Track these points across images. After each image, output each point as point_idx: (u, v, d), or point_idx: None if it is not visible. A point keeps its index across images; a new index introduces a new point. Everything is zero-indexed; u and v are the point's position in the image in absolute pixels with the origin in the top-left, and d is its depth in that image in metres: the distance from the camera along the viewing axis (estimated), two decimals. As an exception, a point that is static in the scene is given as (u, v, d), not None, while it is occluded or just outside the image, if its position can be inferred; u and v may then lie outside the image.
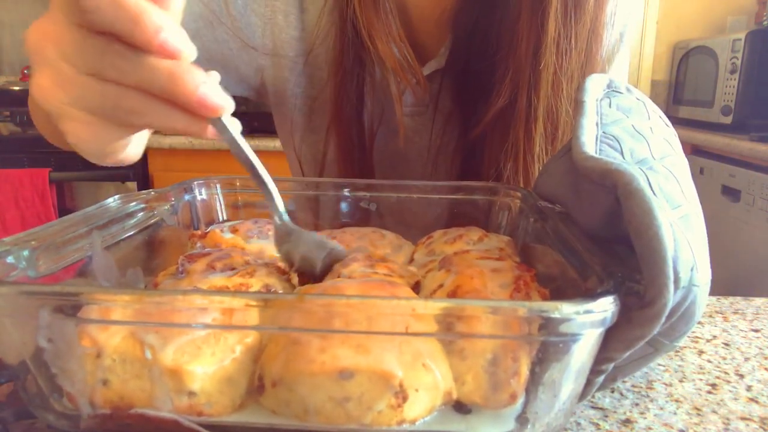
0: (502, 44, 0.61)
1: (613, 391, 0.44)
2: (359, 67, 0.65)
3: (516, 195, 0.58)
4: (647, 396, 0.43)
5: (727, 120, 2.22)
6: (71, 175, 2.10)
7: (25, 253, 0.37)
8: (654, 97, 2.29)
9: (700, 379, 0.46)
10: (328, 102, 0.68)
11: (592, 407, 0.41)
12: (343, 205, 0.61)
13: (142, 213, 0.50)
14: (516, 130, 0.62)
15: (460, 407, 0.34)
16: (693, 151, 2.21)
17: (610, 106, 0.46)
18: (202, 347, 0.32)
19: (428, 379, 0.32)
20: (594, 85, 0.47)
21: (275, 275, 0.42)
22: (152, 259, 0.51)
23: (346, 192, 0.60)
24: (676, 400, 0.42)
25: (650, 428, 0.39)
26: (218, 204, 0.61)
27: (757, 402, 0.42)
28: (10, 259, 0.36)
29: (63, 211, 2.14)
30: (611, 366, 0.36)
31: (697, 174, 2.12)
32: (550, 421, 0.33)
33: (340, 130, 0.68)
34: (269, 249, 0.50)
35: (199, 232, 0.53)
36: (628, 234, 0.33)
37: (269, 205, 0.43)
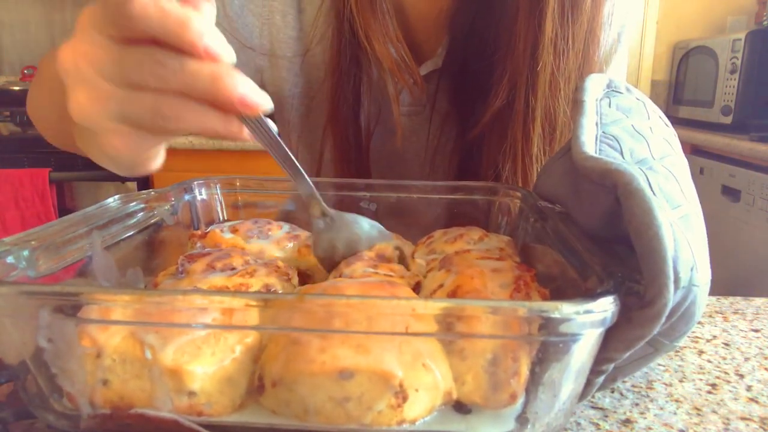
0: (499, 45, 0.61)
1: (613, 391, 0.44)
2: (356, 68, 0.65)
3: (516, 195, 0.58)
4: (647, 396, 0.43)
5: (727, 120, 2.22)
6: (71, 175, 2.10)
7: (25, 253, 0.37)
8: (654, 97, 2.29)
9: (700, 379, 0.46)
10: (325, 102, 0.68)
11: (592, 407, 0.41)
12: (343, 205, 0.61)
13: (142, 213, 0.50)
14: (514, 130, 0.62)
15: (460, 407, 0.34)
16: (693, 151, 2.21)
17: (609, 106, 0.46)
18: (202, 347, 0.32)
19: (428, 379, 0.32)
20: (594, 85, 0.47)
21: (275, 275, 0.42)
22: (152, 259, 0.51)
23: (345, 192, 0.60)
24: (676, 400, 0.42)
25: (650, 428, 0.39)
26: (218, 204, 0.61)
27: (757, 402, 0.42)
28: (10, 259, 0.36)
29: (63, 211, 2.14)
30: (611, 366, 0.36)
31: (697, 174, 2.12)
32: (550, 421, 0.33)
33: (336, 130, 0.68)
34: (269, 249, 0.50)
35: (199, 232, 0.53)
36: (628, 234, 0.33)
37: (309, 202, 0.45)
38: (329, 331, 0.31)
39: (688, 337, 0.53)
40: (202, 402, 0.32)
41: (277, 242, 0.51)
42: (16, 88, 2.19)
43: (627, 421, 0.40)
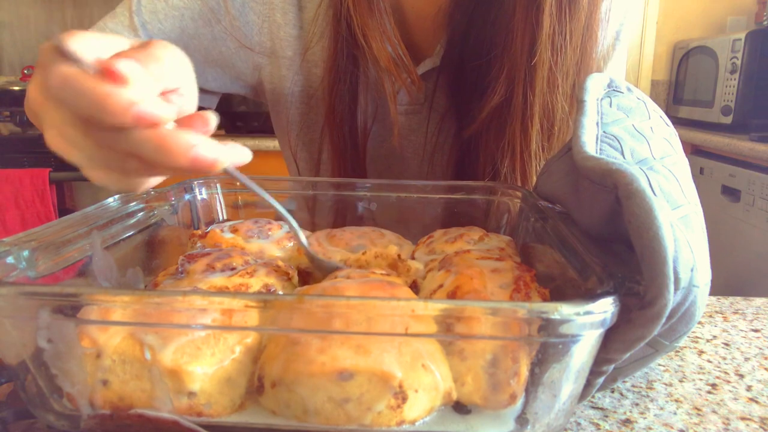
0: (497, 41, 0.61)
1: (613, 391, 0.44)
2: (353, 66, 0.65)
3: (516, 195, 0.58)
4: (647, 396, 0.43)
5: (727, 120, 2.22)
6: (71, 175, 2.09)
7: (25, 253, 0.37)
8: (654, 97, 2.29)
9: (700, 379, 0.46)
10: (323, 100, 0.68)
11: (592, 407, 0.41)
12: (343, 205, 0.61)
13: (142, 213, 0.50)
14: (512, 127, 0.62)
15: (460, 408, 0.34)
16: (693, 151, 2.21)
17: (610, 106, 0.46)
18: (202, 348, 0.32)
19: (428, 380, 0.32)
20: (594, 85, 0.47)
21: (275, 275, 0.42)
22: (152, 259, 0.51)
23: (345, 192, 0.60)
24: (676, 400, 0.42)
25: (650, 428, 0.39)
26: (218, 204, 0.61)
27: (757, 402, 0.42)
28: (10, 259, 0.36)
29: (63, 211, 2.14)
30: (611, 367, 0.36)
31: (697, 174, 2.12)
32: (550, 422, 0.33)
33: (333, 128, 0.68)
34: (269, 249, 0.50)
35: (199, 232, 0.53)
36: (628, 234, 0.33)
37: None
38: (329, 332, 0.31)
39: (688, 337, 0.53)
40: (201, 402, 0.32)
41: (277, 242, 0.51)
42: (16, 88, 2.18)
43: (627, 421, 0.40)
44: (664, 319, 0.31)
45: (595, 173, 0.36)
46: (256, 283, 0.40)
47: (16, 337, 0.32)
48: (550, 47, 0.58)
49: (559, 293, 0.38)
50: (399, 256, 0.47)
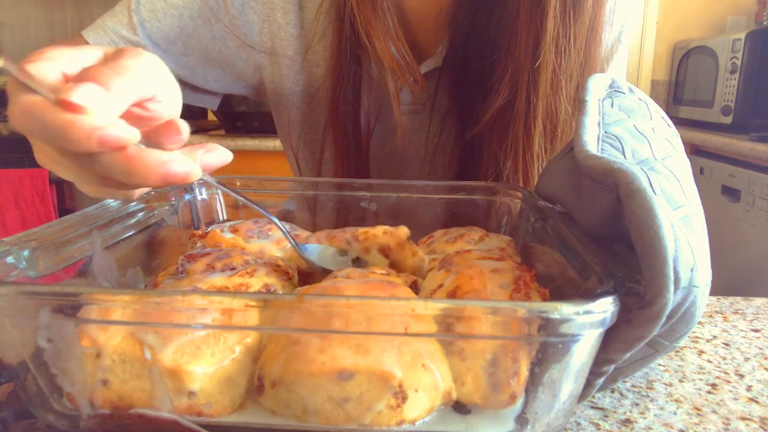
0: (500, 43, 0.61)
1: (613, 391, 0.44)
2: (356, 65, 0.65)
3: (516, 195, 0.58)
4: (647, 396, 0.43)
5: (727, 120, 2.22)
6: (71, 175, 2.09)
7: (25, 253, 0.37)
8: (654, 97, 2.28)
9: (700, 379, 0.46)
10: (325, 100, 0.68)
11: (592, 407, 0.41)
12: (343, 205, 0.61)
13: (142, 213, 0.50)
14: (515, 128, 0.62)
15: (460, 407, 0.34)
16: (693, 151, 2.21)
17: (612, 106, 0.46)
18: (202, 347, 0.32)
19: (428, 380, 0.32)
20: (596, 85, 0.47)
21: (275, 275, 0.42)
22: (152, 259, 0.51)
23: (345, 192, 0.60)
24: (676, 400, 0.42)
25: (650, 428, 0.39)
26: (218, 204, 0.61)
27: (757, 402, 0.42)
28: (10, 259, 0.36)
29: (63, 211, 2.14)
30: (612, 368, 0.36)
31: (697, 174, 2.11)
32: (550, 422, 0.33)
33: (336, 128, 0.68)
34: (269, 249, 0.50)
35: (199, 232, 0.53)
36: (628, 233, 0.33)
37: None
38: (329, 332, 0.31)
39: (688, 337, 0.53)
40: (201, 402, 0.32)
41: (277, 242, 0.51)
42: (16, 88, 2.18)
43: (627, 421, 0.40)
44: (664, 319, 0.31)
45: (596, 172, 0.36)
46: (256, 283, 0.40)
47: (16, 337, 0.32)
48: (554, 50, 0.58)
49: (559, 293, 0.38)
50: (408, 238, 0.47)
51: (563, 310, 0.28)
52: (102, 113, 0.30)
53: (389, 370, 0.31)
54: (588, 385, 0.37)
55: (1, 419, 0.36)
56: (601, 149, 0.41)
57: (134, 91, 0.32)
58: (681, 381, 0.45)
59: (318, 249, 0.50)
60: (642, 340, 0.33)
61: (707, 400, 0.43)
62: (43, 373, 0.32)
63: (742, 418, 0.40)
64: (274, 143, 2.02)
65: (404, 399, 0.31)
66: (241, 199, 0.42)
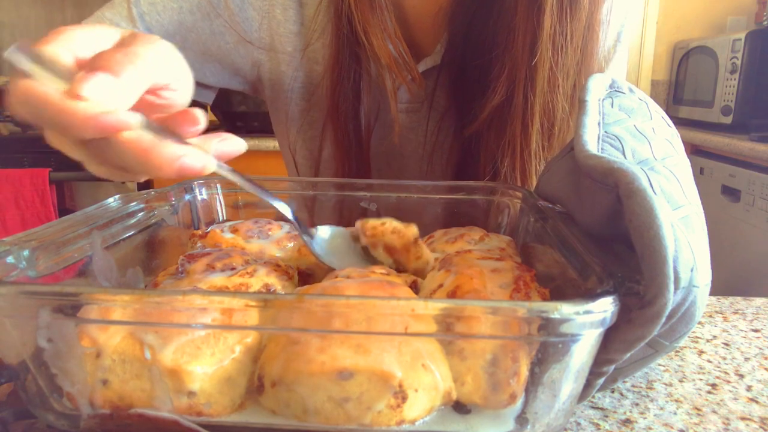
0: (498, 41, 0.61)
1: (613, 391, 0.44)
2: (355, 64, 0.65)
3: (516, 195, 0.58)
4: (647, 396, 0.43)
5: (727, 120, 2.22)
6: (71, 175, 2.09)
7: (25, 253, 0.37)
8: (654, 97, 2.28)
9: (700, 379, 0.46)
10: (325, 98, 0.68)
11: (592, 407, 0.41)
12: (343, 205, 0.61)
13: (142, 213, 0.50)
14: (513, 126, 0.62)
15: (460, 407, 0.34)
16: (693, 151, 2.21)
17: (612, 106, 0.46)
18: (202, 347, 0.32)
19: (428, 380, 0.32)
20: (596, 85, 0.47)
21: (275, 275, 0.42)
22: (152, 259, 0.51)
23: (345, 192, 0.60)
24: (676, 400, 0.42)
25: (650, 428, 0.39)
26: (218, 204, 0.61)
27: (757, 402, 0.42)
28: (10, 259, 0.36)
29: (63, 211, 2.14)
30: (612, 368, 0.36)
31: (697, 174, 2.10)
32: (550, 422, 0.33)
33: (336, 127, 0.68)
34: (269, 249, 0.50)
35: (199, 232, 0.53)
36: (628, 233, 0.33)
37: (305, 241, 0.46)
38: (329, 332, 0.31)
39: (688, 337, 0.53)
40: (201, 402, 0.32)
41: (277, 242, 0.51)
42: (17, 88, 2.18)
43: (627, 421, 0.40)
44: (663, 319, 0.31)
45: (596, 171, 0.36)
46: (256, 283, 0.40)
47: (16, 337, 0.32)
48: (551, 47, 0.58)
49: (559, 293, 0.38)
50: (416, 239, 0.47)
51: (563, 310, 0.28)
52: (112, 103, 0.30)
53: (389, 370, 0.31)
54: (588, 385, 0.37)
55: (1, 419, 0.36)
56: (602, 149, 0.41)
57: (147, 78, 0.32)
58: (681, 381, 0.45)
59: (333, 231, 0.49)
60: (642, 340, 0.33)
61: (707, 400, 0.43)
62: (43, 373, 0.32)
63: (742, 418, 0.40)
64: (274, 143, 2.02)
65: (404, 399, 0.31)
66: (254, 188, 0.41)
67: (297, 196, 0.62)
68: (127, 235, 0.48)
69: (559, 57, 0.59)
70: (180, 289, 0.39)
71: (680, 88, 2.65)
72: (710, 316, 0.58)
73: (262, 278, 0.41)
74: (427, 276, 0.44)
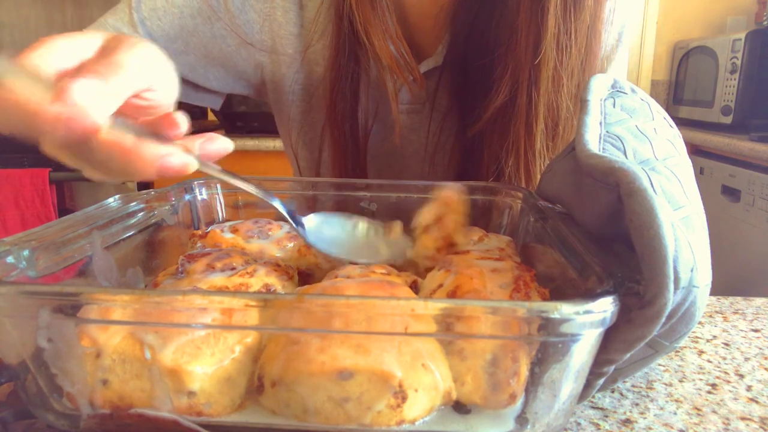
0: (501, 41, 0.61)
1: (613, 391, 0.44)
2: (355, 64, 0.65)
3: (516, 195, 0.58)
4: (647, 396, 0.43)
5: (727, 120, 2.22)
6: (71, 175, 2.09)
7: (25, 253, 0.37)
8: (654, 97, 2.28)
9: (700, 379, 0.46)
10: (324, 98, 0.68)
11: (592, 407, 0.41)
12: (343, 205, 0.61)
13: (142, 213, 0.50)
14: (516, 126, 0.62)
15: (460, 407, 0.34)
16: (693, 151, 2.21)
17: (614, 106, 0.46)
18: (202, 347, 0.32)
19: (428, 380, 0.32)
20: (598, 85, 0.47)
21: (275, 275, 0.42)
22: (152, 259, 0.51)
23: (345, 192, 0.60)
24: (676, 400, 0.42)
25: (650, 428, 0.39)
26: (218, 204, 0.61)
27: (757, 402, 0.42)
28: (10, 259, 0.36)
29: (63, 211, 2.14)
30: (612, 368, 0.36)
31: (697, 174, 2.09)
32: (550, 422, 0.33)
33: (334, 127, 0.68)
34: (269, 249, 0.50)
35: (199, 232, 0.53)
36: (629, 233, 0.33)
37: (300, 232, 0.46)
38: (329, 332, 0.31)
39: (688, 337, 0.53)
40: (201, 402, 0.32)
41: (277, 242, 0.51)
42: (16, 88, 2.18)
43: (627, 421, 0.40)
44: (663, 319, 0.31)
45: (597, 171, 0.36)
46: (256, 283, 0.40)
47: (16, 337, 0.32)
48: (554, 47, 0.58)
49: (559, 293, 0.38)
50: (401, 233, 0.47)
51: (563, 309, 0.28)
52: (95, 109, 0.30)
53: (389, 370, 0.31)
54: (588, 385, 0.37)
55: (1, 419, 0.36)
56: (603, 149, 0.41)
57: (129, 86, 0.33)
58: (681, 381, 0.45)
59: (320, 218, 0.49)
60: (642, 340, 0.33)
61: (707, 400, 0.43)
62: (43, 373, 0.32)
63: (742, 418, 0.40)
64: (274, 143, 2.02)
65: (404, 399, 0.31)
66: (245, 184, 0.41)
67: (297, 196, 0.62)
68: (127, 235, 0.48)
69: (563, 57, 0.59)
70: (180, 289, 0.39)
71: (680, 88, 2.65)
72: (710, 316, 0.58)
73: (262, 278, 0.41)
74: (427, 276, 0.44)
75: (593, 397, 0.43)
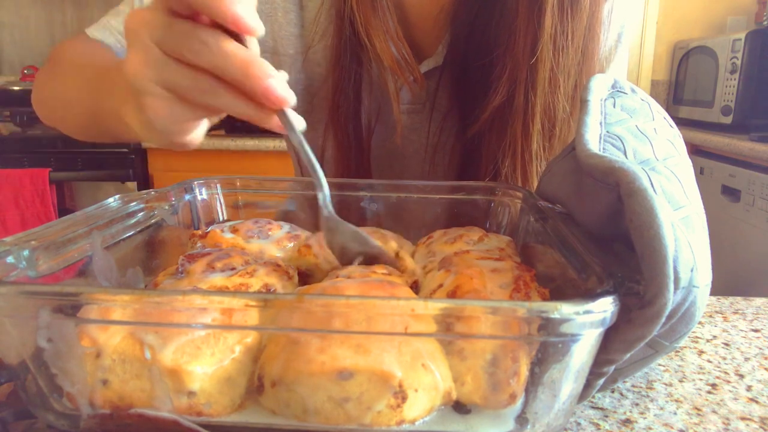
0: (499, 41, 0.61)
1: (613, 391, 0.44)
2: (357, 65, 0.65)
3: (516, 195, 0.58)
4: (647, 396, 0.43)
5: (727, 120, 2.22)
6: (71, 175, 2.10)
7: (25, 253, 0.37)
8: (654, 97, 2.28)
9: (700, 379, 0.46)
10: (326, 99, 0.68)
11: (592, 407, 0.41)
12: (344, 205, 0.61)
13: (142, 213, 0.50)
14: (513, 127, 0.62)
15: (460, 407, 0.34)
16: (693, 151, 2.21)
17: (614, 106, 0.46)
18: (202, 347, 0.32)
19: (428, 380, 0.32)
20: (598, 85, 0.47)
21: (275, 275, 0.42)
22: (152, 259, 0.51)
23: (346, 192, 0.60)
24: (676, 400, 0.42)
25: (650, 428, 0.39)
26: (218, 204, 0.61)
27: (757, 402, 0.42)
28: (10, 259, 0.36)
29: (63, 211, 2.14)
30: (612, 368, 0.36)
31: (697, 174, 2.09)
32: (550, 422, 0.33)
33: (337, 128, 0.68)
34: (269, 249, 0.50)
35: (199, 232, 0.53)
36: (629, 232, 0.33)
37: (319, 196, 0.45)
38: (329, 332, 0.31)
39: (688, 337, 0.53)
40: (201, 402, 0.32)
41: (277, 242, 0.51)
42: (16, 88, 2.18)
43: (627, 421, 0.40)
44: (663, 319, 0.31)
45: (597, 170, 0.36)
46: (256, 283, 0.40)
47: (16, 337, 0.32)
48: (551, 47, 0.58)
49: (559, 293, 0.38)
50: (397, 254, 0.47)
51: (563, 309, 0.28)
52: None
53: (389, 370, 0.31)
54: (588, 385, 0.37)
55: (1, 419, 0.36)
56: (603, 149, 0.41)
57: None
58: (681, 381, 0.45)
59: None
60: (642, 340, 0.33)
61: (707, 400, 0.43)
62: (43, 373, 0.32)
63: (742, 418, 0.40)
64: (273, 143, 2.02)
65: (404, 399, 0.31)
66: (303, 141, 0.41)
67: (298, 196, 0.62)
68: (127, 235, 0.48)
69: (560, 57, 0.59)
70: (180, 289, 0.39)
71: (680, 88, 2.65)
72: (710, 316, 0.58)
73: (262, 278, 0.41)
74: (427, 276, 0.44)
75: (593, 397, 0.43)
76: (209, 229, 0.54)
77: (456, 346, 0.33)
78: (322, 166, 0.72)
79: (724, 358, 0.49)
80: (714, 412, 0.41)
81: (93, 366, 0.32)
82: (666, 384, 0.45)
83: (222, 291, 0.38)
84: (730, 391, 0.44)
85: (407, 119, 0.71)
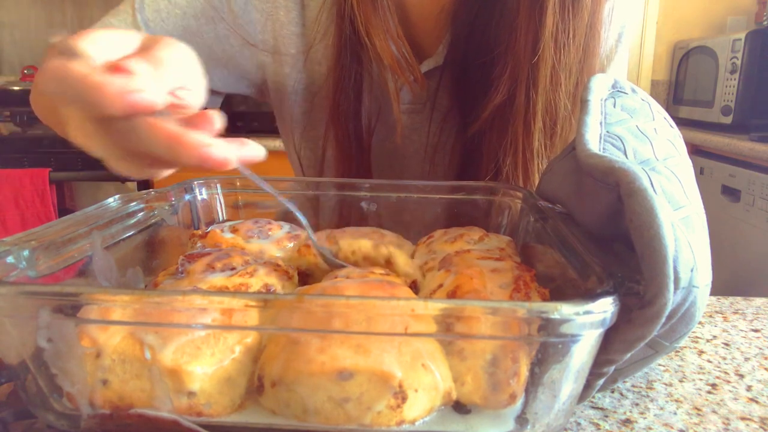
0: (500, 40, 0.61)
1: (613, 391, 0.44)
2: (357, 64, 0.65)
3: (516, 195, 0.58)
4: (647, 396, 0.43)
5: (727, 120, 2.22)
6: (71, 175, 2.10)
7: (25, 253, 0.37)
8: (654, 97, 2.27)
9: (700, 379, 0.46)
10: (327, 99, 0.68)
11: (592, 407, 0.41)
12: (344, 205, 0.61)
13: (142, 213, 0.50)
14: (515, 125, 0.62)
15: (460, 407, 0.34)
16: (693, 151, 2.21)
17: (614, 106, 0.46)
18: (202, 347, 0.32)
19: (428, 380, 0.32)
20: (599, 85, 0.47)
21: (275, 275, 0.42)
22: (152, 259, 0.51)
23: (346, 192, 0.60)
24: (676, 400, 0.42)
25: (650, 428, 0.39)
26: (218, 204, 0.61)
27: (757, 402, 0.42)
28: (10, 259, 0.36)
29: (63, 211, 2.14)
30: (612, 368, 0.36)
31: (697, 174, 2.08)
32: (550, 422, 0.33)
33: (337, 127, 0.68)
34: (269, 249, 0.50)
35: (199, 232, 0.53)
36: (629, 232, 0.33)
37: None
38: (329, 332, 0.31)
39: (688, 337, 0.53)
40: (201, 402, 0.32)
41: (277, 242, 0.51)
42: (16, 88, 2.18)
43: (627, 421, 0.40)
44: (663, 319, 0.31)
45: (597, 170, 0.36)
46: (256, 283, 0.40)
47: (16, 337, 0.32)
48: (552, 45, 0.58)
49: (559, 293, 0.38)
50: (388, 260, 0.47)
51: (563, 310, 0.28)
52: (155, 90, 0.31)
53: (389, 370, 0.31)
54: (588, 385, 0.37)
55: (1, 419, 0.36)
56: (603, 149, 0.41)
57: (171, 81, 0.33)
58: (681, 381, 0.45)
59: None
60: (642, 341, 0.33)
61: (707, 400, 0.43)
62: (43, 373, 0.32)
63: (742, 418, 0.40)
64: (274, 143, 2.02)
65: (404, 399, 0.31)
66: (272, 190, 0.41)
67: (298, 196, 0.62)
68: (127, 235, 0.48)
69: (561, 55, 0.59)
70: (180, 289, 0.39)
71: (680, 88, 2.65)
72: (710, 316, 0.58)
73: (262, 278, 0.41)
74: (427, 276, 0.44)
75: (593, 397, 0.43)
76: (209, 229, 0.54)
77: (456, 347, 0.33)
78: (322, 166, 0.72)
79: (724, 358, 0.49)
80: (714, 412, 0.41)
81: (93, 366, 0.32)
82: (666, 384, 0.45)
83: (222, 291, 0.38)
84: (730, 391, 0.44)
85: (407, 119, 0.71)
